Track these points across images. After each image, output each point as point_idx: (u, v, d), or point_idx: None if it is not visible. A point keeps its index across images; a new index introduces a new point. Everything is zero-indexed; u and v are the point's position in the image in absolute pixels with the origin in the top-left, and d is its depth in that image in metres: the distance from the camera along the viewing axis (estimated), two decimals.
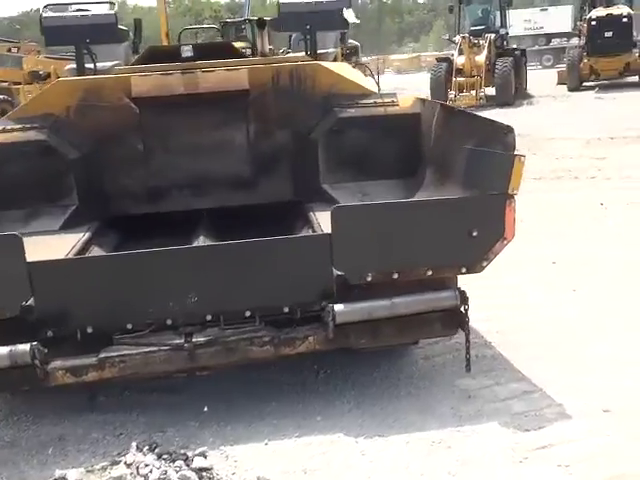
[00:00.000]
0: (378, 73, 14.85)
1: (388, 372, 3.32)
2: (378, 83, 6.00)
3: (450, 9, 19.47)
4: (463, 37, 16.54)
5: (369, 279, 2.78)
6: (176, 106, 3.91)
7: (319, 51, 5.30)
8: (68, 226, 3.69)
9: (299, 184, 4.04)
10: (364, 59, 20.93)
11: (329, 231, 2.75)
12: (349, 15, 5.05)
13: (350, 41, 16.41)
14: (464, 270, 2.87)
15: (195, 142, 3.98)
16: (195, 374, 2.88)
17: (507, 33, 19.03)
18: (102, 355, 2.70)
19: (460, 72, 16.51)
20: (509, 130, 2.79)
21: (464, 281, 3.04)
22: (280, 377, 3.30)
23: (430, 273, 2.84)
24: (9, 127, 3.78)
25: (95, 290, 2.68)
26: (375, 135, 3.91)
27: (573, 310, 4.00)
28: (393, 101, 3.99)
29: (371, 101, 3.99)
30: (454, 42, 17.40)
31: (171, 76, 3.89)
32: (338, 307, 2.75)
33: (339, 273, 2.76)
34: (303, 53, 4.88)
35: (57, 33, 4.86)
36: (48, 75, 12.61)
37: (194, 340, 2.73)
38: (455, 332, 3.02)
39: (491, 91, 17.09)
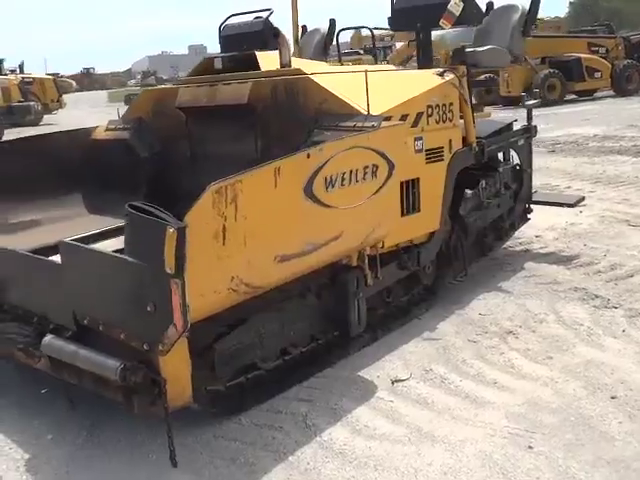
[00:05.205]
0: None
1: None
2: None
3: None
4: None
5: (85, 322, 2.64)
6: (207, 117, 4.05)
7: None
8: None
9: None
10: None
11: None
12: (454, 7, 3.90)
13: None
14: (145, 347, 2.41)
15: (220, 153, 4.04)
16: None
17: None
18: None
19: None
20: None
21: None
22: None
23: (123, 337, 2.49)
24: (113, 127, 4.62)
25: None
26: None
27: None
28: (373, 125, 3.20)
29: (352, 124, 3.29)
30: None
31: (202, 88, 4.03)
32: (45, 339, 2.71)
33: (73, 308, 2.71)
34: None
35: (229, 41, 5.39)
36: None
37: None
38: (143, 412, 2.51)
39: None
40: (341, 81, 3.58)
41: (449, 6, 3.89)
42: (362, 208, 3.00)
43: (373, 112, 3.31)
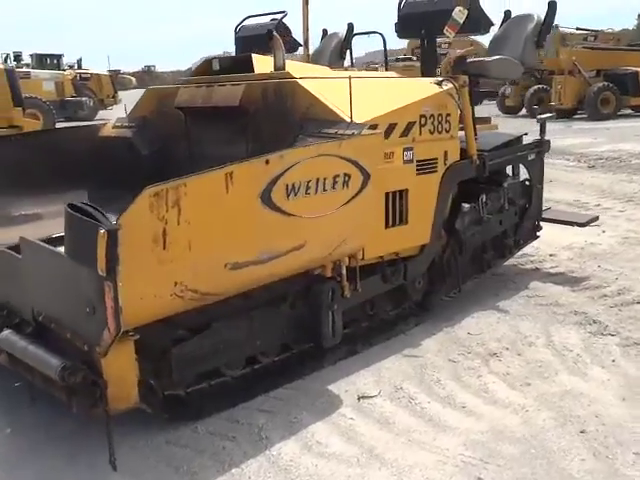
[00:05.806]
0: None
1: None
2: None
3: None
4: None
5: (40, 319, 2.65)
6: (203, 117, 4.04)
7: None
8: None
9: None
10: None
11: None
12: (458, 14, 3.75)
13: None
14: (86, 347, 2.40)
15: (215, 153, 4.02)
16: None
17: None
18: None
19: None
20: None
21: None
22: None
23: (69, 336, 2.49)
24: (119, 124, 4.66)
25: None
26: None
27: None
28: (354, 133, 3.12)
29: (333, 131, 3.21)
30: None
31: (200, 88, 4.01)
32: (3, 333, 2.72)
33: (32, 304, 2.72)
34: None
35: (243, 43, 5.38)
36: None
37: None
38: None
39: None
40: (330, 87, 3.50)
41: (453, 14, 3.76)
42: (330, 218, 2.91)
43: (357, 120, 3.23)
